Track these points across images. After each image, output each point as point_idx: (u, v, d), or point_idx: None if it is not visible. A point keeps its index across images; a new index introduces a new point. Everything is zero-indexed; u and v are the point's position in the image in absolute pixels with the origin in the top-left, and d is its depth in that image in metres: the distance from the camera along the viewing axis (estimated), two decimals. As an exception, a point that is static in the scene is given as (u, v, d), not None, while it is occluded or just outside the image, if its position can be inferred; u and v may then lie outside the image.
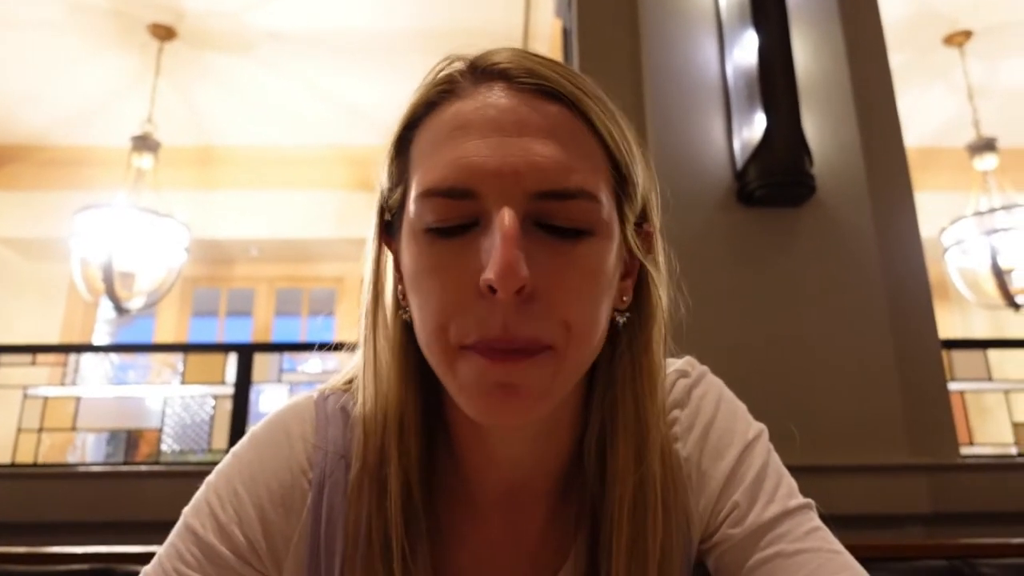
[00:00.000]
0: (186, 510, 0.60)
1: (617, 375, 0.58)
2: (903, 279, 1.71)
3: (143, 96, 3.54)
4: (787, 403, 1.51)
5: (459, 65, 0.56)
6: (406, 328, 0.56)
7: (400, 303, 0.57)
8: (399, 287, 0.57)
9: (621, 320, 0.57)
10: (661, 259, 0.60)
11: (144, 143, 3.44)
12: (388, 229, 0.59)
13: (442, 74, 0.56)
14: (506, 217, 0.49)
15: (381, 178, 0.59)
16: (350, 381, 0.64)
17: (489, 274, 0.49)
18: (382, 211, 0.59)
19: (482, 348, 0.50)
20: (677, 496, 0.58)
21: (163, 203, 3.32)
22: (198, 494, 0.61)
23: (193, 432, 1.96)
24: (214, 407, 1.92)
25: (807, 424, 1.50)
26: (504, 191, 0.50)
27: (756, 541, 0.57)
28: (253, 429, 0.63)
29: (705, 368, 0.66)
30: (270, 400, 2.70)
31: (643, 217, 0.59)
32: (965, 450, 1.74)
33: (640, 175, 0.58)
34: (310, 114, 3.99)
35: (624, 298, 0.57)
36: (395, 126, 0.58)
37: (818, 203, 1.72)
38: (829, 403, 1.52)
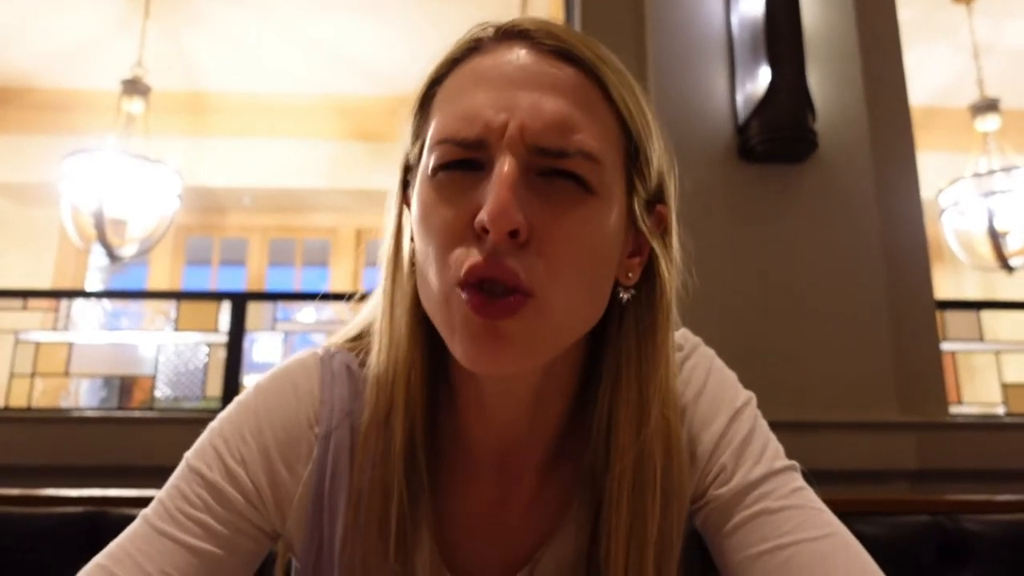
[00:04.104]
0: (189, 454, 0.61)
1: (622, 354, 0.59)
2: (901, 239, 1.71)
3: (132, 39, 3.45)
4: (781, 360, 1.52)
5: (488, 29, 0.58)
6: (416, 287, 0.58)
7: (413, 263, 0.59)
8: (412, 245, 0.59)
9: (625, 296, 0.58)
10: (675, 244, 0.61)
11: (134, 87, 3.36)
12: (407, 187, 0.60)
13: (469, 36, 0.58)
14: (506, 163, 0.51)
15: (404, 134, 0.61)
16: (354, 339, 0.65)
17: (483, 215, 0.50)
18: (405, 168, 0.61)
19: (471, 277, 0.51)
20: (682, 482, 0.59)
21: (154, 149, 3.26)
22: (202, 439, 0.61)
23: (187, 379, 1.96)
24: (208, 355, 1.92)
25: (800, 381, 1.51)
26: (508, 143, 0.51)
27: (741, 499, 0.58)
28: (258, 381, 0.64)
29: (698, 340, 0.68)
30: (264, 349, 2.70)
31: (657, 197, 0.59)
32: (953, 409, 1.75)
33: (656, 153, 0.59)
34: (303, 62, 3.91)
35: (630, 275, 0.58)
36: (420, 83, 0.59)
37: (819, 160, 1.70)
38: (822, 361, 1.53)
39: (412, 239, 0.59)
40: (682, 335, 0.67)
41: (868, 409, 1.51)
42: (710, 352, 0.67)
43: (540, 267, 0.51)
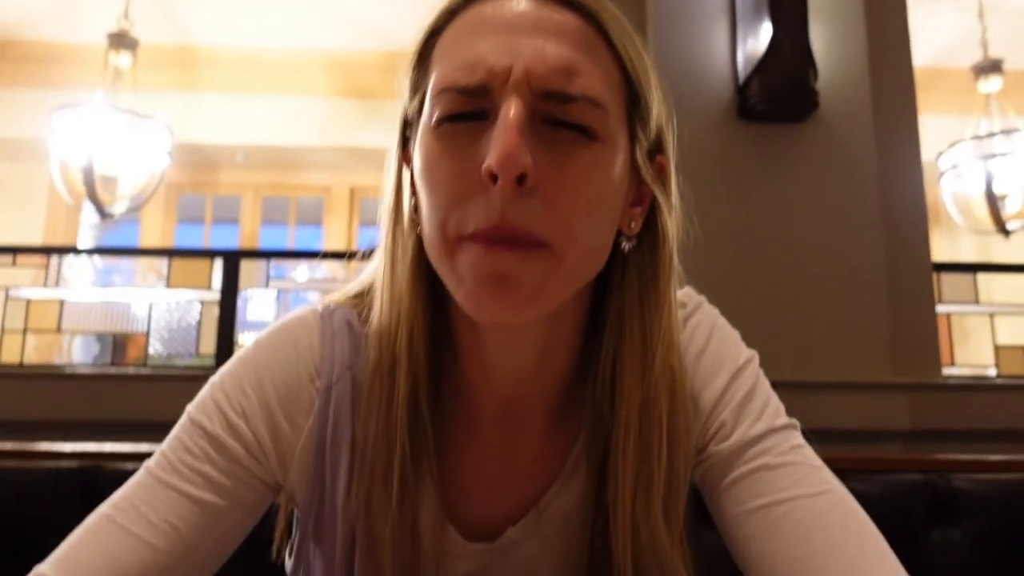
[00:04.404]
0: (190, 407, 0.61)
1: (625, 303, 0.59)
2: (901, 201, 1.70)
3: (118, -11, 3.36)
4: (777, 320, 1.52)
5: None
6: (420, 242, 0.58)
7: (414, 218, 0.58)
8: (413, 199, 0.58)
9: (627, 246, 0.59)
10: (675, 193, 0.61)
11: (121, 40, 3.28)
12: (406, 143, 0.60)
13: None
14: (512, 107, 0.50)
15: (402, 88, 0.60)
16: (356, 296, 0.65)
17: (490, 160, 0.49)
18: (404, 123, 0.60)
19: (479, 237, 0.50)
20: (687, 432, 0.60)
21: (144, 105, 3.20)
22: (203, 392, 0.62)
23: (180, 337, 1.96)
24: (201, 312, 1.91)
25: (796, 341, 1.51)
26: (513, 87, 0.51)
27: (740, 455, 0.59)
28: (258, 337, 0.64)
29: (702, 298, 0.68)
30: (258, 308, 2.69)
31: (657, 147, 0.59)
32: (946, 371, 1.77)
33: (656, 103, 0.59)
34: (295, 16, 3.83)
35: (632, 224, 0.58)
36: (418, 35, 0.59)
37: (820, 120, 1.68)
38: (819, 321, 1.53)
39: (413, 195, 0.59)
40: (686, 293, 0.67)
41: (863, 370, 1.51)
42: (713, 310, 0.67)
43: (548, 215, 0.51)
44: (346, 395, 0.60)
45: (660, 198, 0.58)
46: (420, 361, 0.58)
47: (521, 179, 0.49)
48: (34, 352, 2.07)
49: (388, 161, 0.62)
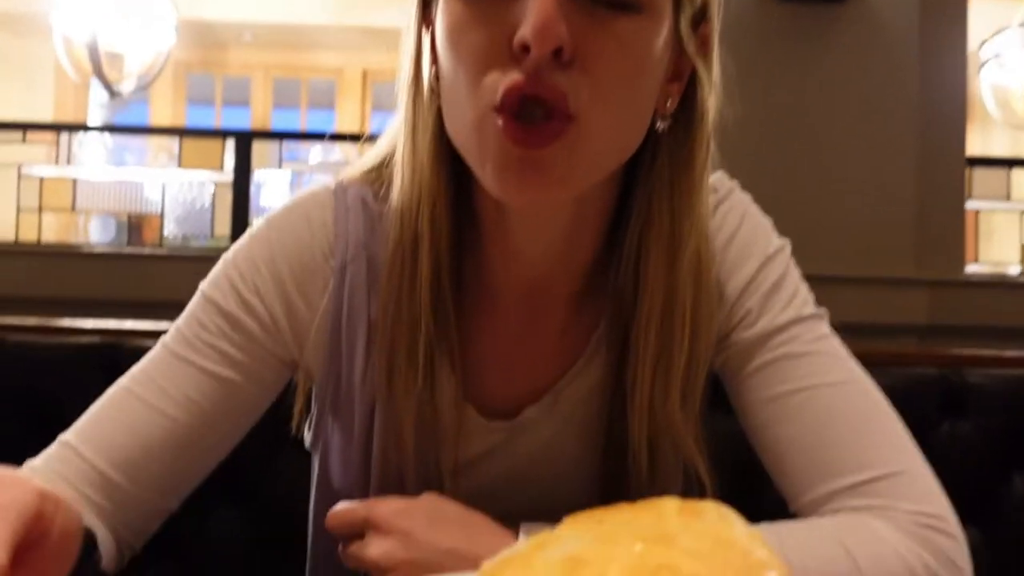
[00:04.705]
0: (204, 284, 0.60)
1: (655, 186, 0.55)
2: (940, 90, 1.62)
3: None
4: (803, 210, 1.48)
5: None
6: (440, 114, 0.54)
7: (434, 89, 0.55)
8: (433, 68, 0.55)
9: (662, 126, 0.55)
10: (716, 68, 0.56)
11: (121, -96, 3.11)
12: (427, 4, 0.55)
13: None
14: None
15: None
16: (371, 171, 0.62)
17: (524, 31, 0.45)
18: None
19: (507, 108, 0.47)
20: (710, 319, 0.58)
21: (147, -24, 3.07)
22: (216, 270, 0.61)
23: (195, 218, 1.95)
24: (214, 194, 1.90)
25: (821, 232, 1.48)
26: None
27: (765, 342, 0.58)
28: (269, 214, 0.62)
29: (734, 184, 0.65)
30: (271, 194, 2.67)
31: (701, 15, 0.54)
32: (968, 268, 1.74)
33: None
34: None
35: (668, 102, 0.54)
36: None
37: (861, 1, 1.58)
38: (844, 213, 1.50)
39: (434, 63, 0.55)
40: (718, 178, 0.64)
41: (885, 263, 1.49)
42: (745, 197, 0.64)
43: (585, 88, 0.47)
44: (361, 274, 0.59)
45: (701, 72, 0.54)
46: (443, 240, 0.56)
47: (557, 52, 0.45)
48: (51, 233, 2.08)
49: (407, 25, 0.57)
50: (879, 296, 1.48)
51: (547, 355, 0.61)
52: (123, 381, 0.57)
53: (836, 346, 0.59)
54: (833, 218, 1.49)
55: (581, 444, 0.61)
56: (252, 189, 1.89)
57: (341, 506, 0.54)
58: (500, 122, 0.47)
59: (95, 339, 1.14)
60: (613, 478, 0.59)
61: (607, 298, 0.60)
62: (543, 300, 0.60)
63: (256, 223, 0.63)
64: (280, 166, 1.90)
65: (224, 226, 1.88)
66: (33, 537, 0.26)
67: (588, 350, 0.61)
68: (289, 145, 2.01)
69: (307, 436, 0.68)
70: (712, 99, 0.56)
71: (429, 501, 0.53)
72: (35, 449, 0.57)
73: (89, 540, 0.48)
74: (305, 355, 0.60)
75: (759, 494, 0.65)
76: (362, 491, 0.60)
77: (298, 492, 0.71)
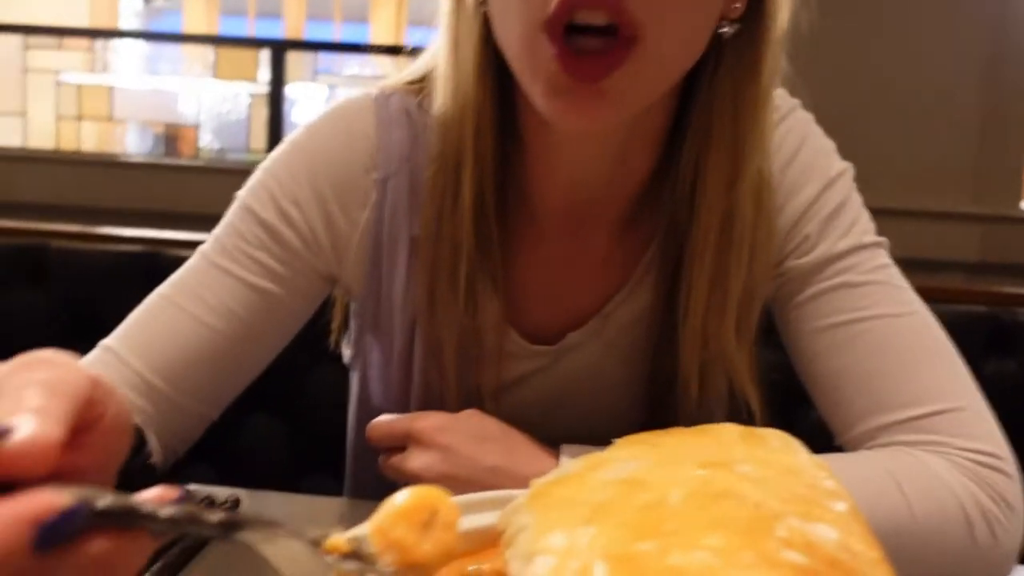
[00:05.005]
0: (242, 193, 0.58)
1: (717, 96, 0.52)
2: (1013, 14, 1.52)
3: None
4: (862, 135, 1.42)
5: None
6: (487, 23, 0.51)
7: None
8: None
9: (729, 30, 0.50)
10: None
11: None
12: None
13: None
14: None
15: None
16: (412, 82, 0.59)
17: None
18: None
19: (560, 21, 0.43)
20: (768, 243, 0.55)
21: None
22: (254, 177, 0.59)
23: (231, 131, 1.94)
24: (250, 106, 1.87)
25: (877, 161, 1.42)
26: None
27: (822, 270, 0.55)
28: (309, 121, 0.59)
29: (796, 102, 0.60)
30: (305, 110, 2.63)
31: None
32: (1025, 204, 1.68)
33: None
34: None
35: (736, 4, 0.50)
36: None
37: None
38: (905, 142, 1.44)
39: None
40: (779, 96, 0.60)
41: (941, 197, 1.44)
42: (807, 116, 0.60)
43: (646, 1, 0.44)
44: (403, 189, 0.57)
45: None
46: (487, 157, 0.53)
47: None
48: (90, 143, 2.08)
49: None
50: (932, 230, 1.43)
51: (592, 280, 0.59)
52: (163, 289, 0.57)
53: (896, 276, 0.56)
54: (893, 147, 1.43)
55: (625, 370, 0.60)
56: (286, 106, 1.86)
57: (383, 418, 0.53)
58: (553, 50, 0.44)
59: (136, 247, 1.15)
60: (659, 404, 0.57)
61: (658, 220, 0.57)
62: (590, 221, 0.58)
63: (296, 130, 0.61)
64: (315, 79, 1.86)
65: (260, 140, 1.86)
66: (86, 421, 0.25)
67: (636, 275, 0.58)
68: (323, 59, 1.96)
69: (346, 352, 0.67)
70: (785, 2, 0.51)
71: (472, 417, 0.53)
72: (77, 355, 0.57)
73: (139, 436, 0.48)
74: (344, 270, 0.59)
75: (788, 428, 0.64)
76: (402, 409, 0.59)
77: (337, 404, 0.71)
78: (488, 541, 0.28)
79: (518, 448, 0.52)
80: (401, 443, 0.52)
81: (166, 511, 0.24)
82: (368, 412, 0.63)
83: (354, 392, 0.66)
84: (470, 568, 0.28)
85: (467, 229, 0.54)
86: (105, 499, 0.23)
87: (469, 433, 0.52)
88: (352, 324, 0.65)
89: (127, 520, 0.24)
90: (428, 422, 0.52)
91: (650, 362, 0.58)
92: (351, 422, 0.67)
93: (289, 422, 1.03)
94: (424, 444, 0.51)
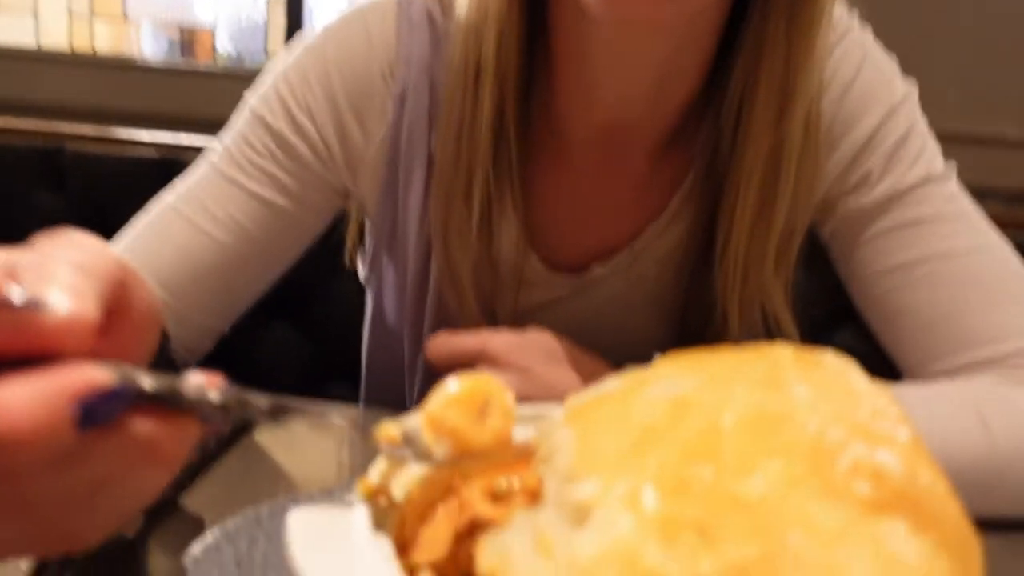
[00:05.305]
0: (252, 98, 0.55)
1: (770, 12, 0.48)
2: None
3: None
4: (924, 49, 1.34)
5: None
6: None
7: None
8: None
9: None
10: None
11: None
12: None
13: None
14: None
15: None
16: None
17: None
18: None
19: None
20: (814, 176, 0.52)
21: None
22: (265, 82, 0.55)
23: (248, 35, 1.88)
24: (267, 9, 1.81)
25: (940, 80, 1.35)
26: None
27: (888, 207, 0.51)
28: (327, 23, 0.56)
29: (853, 22, 0.55)
30: (325, 14, 2.53)
31: None
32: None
33: None
34: None
35: None
36: None
37: None
38: (971, 59, 1.35)
39: None
40: (835, 14, 0.55)
41: (1007, 121, 1.37)
42: (865, 37, 0.55)
43: None
44: (423, 102, 0.53)
45: None
46: (510, 70, 0.50)
47: None
48: (104, 44, 2.02)
49: None
50: (995, 156, 1.37)
51: (622, 210, 0.55)
52: (169, 199, 0.55)
53: (969, 206, 0.52)
54: (958, 64, 1.35)
55: (654, 306, 0.57)
56: (305, 10, 1.79)
57: (449, 336, 0.51)
58: None
59: (152, 152, 1.13)
60: (692, 340, 0.55)
61: (699, 147, 0.53)
62: (623, 145, 0.54)
63: (311, 33, 0.57)
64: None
65: (278, 44, 1.80)
66: (117, 305, 0.23)
67: (671, 207, 0.55)
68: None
69: (360, 269, 0.65)
70: None
71: (542, 337, 0.50)
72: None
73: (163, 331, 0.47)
74: (359, 185, 0.56)
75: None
76: (416, 330, 0.58)
77: (353, 317, 0.70)
78: (521, 457, 0.26)
79: (592, 371, 0.49)
80: (467, 361, 0.49)
81: (214, 395, 0.22)
82: (382, 331, 0.62)
83: (369, 310, 0.65)
84: (501, 482, 0.26)
85: (484, 148, 0.50)
86: (152, 379, 0.22)
87: (544, 354, 0.49)
88: (367, 241, 0.63)
89: (175, 402, 0.22)
90: (502, 341, 0.49)
91: (682, 296, 0.56)
92: (366, 338, 0.66)
93: (305, 331, 1.03)
94: (500, 364, 0.48)
